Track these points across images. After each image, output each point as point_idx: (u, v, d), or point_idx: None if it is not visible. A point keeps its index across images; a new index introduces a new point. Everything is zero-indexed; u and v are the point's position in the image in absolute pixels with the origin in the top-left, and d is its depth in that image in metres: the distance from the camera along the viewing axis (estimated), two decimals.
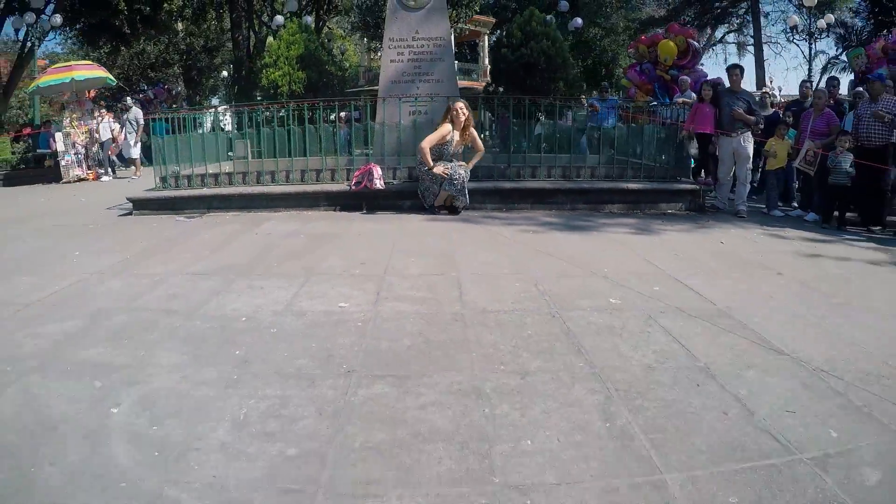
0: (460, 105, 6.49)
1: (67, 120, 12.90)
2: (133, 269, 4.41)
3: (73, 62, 15.05)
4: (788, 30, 19.46)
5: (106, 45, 22.31)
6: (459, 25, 22.67)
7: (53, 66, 14.90)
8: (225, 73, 32.98)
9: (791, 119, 8.24)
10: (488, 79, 16.07)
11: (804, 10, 17.96)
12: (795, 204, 7.98)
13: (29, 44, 18.16)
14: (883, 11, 22.25)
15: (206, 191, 7.16)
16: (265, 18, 25.84)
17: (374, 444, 2.09)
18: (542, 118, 9.30)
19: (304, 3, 19.71)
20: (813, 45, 16.76)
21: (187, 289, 3.87)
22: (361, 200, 6.90)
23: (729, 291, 3.91)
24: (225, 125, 10.20)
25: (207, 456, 2.01)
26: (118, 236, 5.78)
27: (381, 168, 6.93)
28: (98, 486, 1.85)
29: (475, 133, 6.72)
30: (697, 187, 7.28)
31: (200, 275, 4.22)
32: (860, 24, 24.83)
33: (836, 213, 6.77)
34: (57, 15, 16.65)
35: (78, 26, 20.20)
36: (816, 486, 1.86)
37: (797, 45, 18.22)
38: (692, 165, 7.89)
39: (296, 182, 7.29)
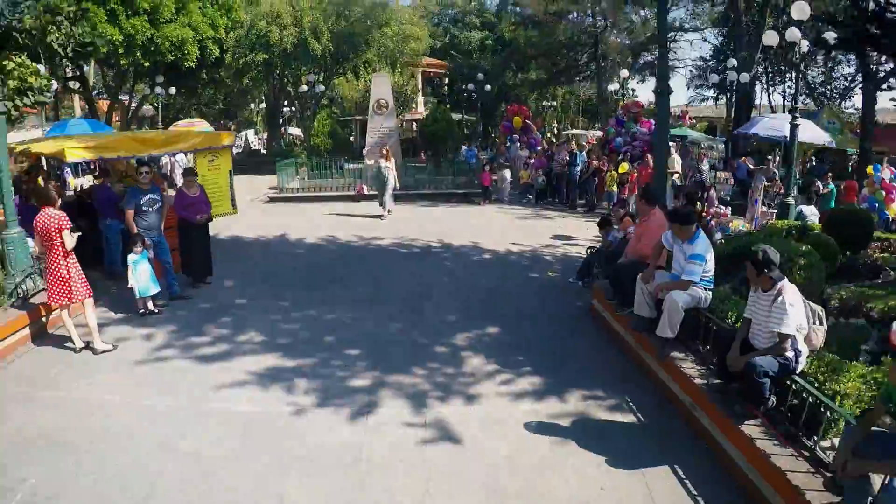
0: (386, 147, 17.73)
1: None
2: (294, 211, 15.74)
3: (194, 119, 26.23)
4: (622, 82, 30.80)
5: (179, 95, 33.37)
6: (424, 68, 34.69)
7: (184, 121, 25.93)
8: (252, 106, 44.59)
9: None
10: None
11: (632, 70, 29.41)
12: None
13: (135, 103, 29.38)
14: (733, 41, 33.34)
15: (297, 194, 18.58)
16: (286, 73, 37.22)
17: None
18: (442, 159, 20.80)
19: (319, 75, 30.73)
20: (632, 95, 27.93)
21: (315, 213, 15.26)
22: (359, 198, 18.28)
23: (455, 217, 15.23)
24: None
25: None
26: (274, 207, 17.11)
27: (365, 185, 18.35)
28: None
29: (394, 161, 17.88)
30: (490, 190, 18.73)
31: (317, 213, 15.57)
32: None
33: (538, 200, 18.20)
34: (172, 87, 27.59)
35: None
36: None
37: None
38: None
39: (332, 190, 18.70)
